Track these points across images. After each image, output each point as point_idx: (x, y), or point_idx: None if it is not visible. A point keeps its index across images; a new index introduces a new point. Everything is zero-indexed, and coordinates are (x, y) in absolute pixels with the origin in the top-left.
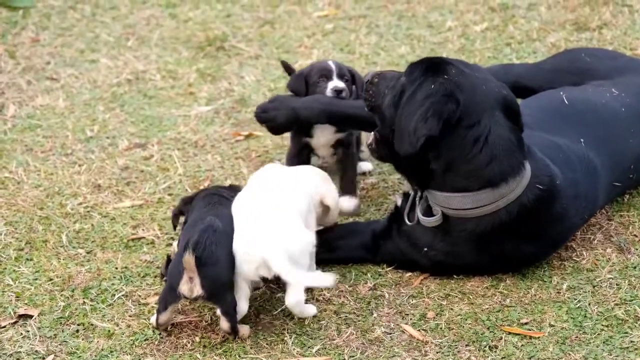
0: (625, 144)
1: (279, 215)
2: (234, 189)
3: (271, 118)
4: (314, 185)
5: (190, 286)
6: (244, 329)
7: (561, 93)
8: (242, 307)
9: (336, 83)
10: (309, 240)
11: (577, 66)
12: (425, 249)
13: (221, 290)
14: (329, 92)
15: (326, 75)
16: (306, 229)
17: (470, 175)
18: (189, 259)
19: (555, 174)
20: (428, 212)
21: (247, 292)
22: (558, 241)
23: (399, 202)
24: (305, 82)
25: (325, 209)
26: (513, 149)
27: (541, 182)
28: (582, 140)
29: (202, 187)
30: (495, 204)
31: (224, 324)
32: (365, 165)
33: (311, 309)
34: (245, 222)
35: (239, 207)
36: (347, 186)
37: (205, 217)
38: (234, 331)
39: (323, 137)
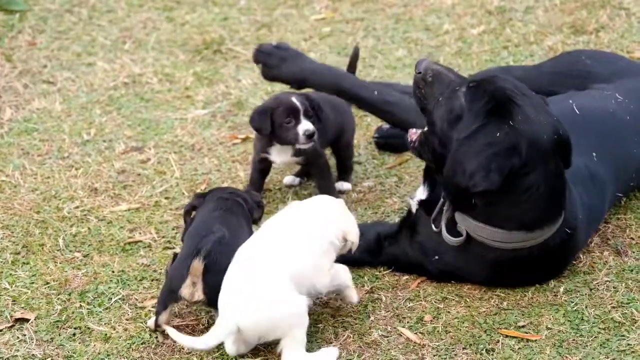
0: (629, 154)
1: (266, 278)
2: (251, 195)
3: (274, 64)
4: (334, 224)
5: (192, 291)
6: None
7: (570, 101)
8: (230, 352)
9: (306, 126)
10: (292, 311)
11: (577, 69)
12: (436, 257)
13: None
14: (301, 137)
15: (294, 115)
16: (293, 297)
17: (511, 217)
18: (198, 266)
19: (577, 210)
20: (451, 226)
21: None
22: (571, 260)
23: (414, 208)
24: (271, 120)
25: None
26: (557, 199)
27: (569, 226)
28: (594, 154)
29: (216, 186)
30: (523, 243)
31: None
32: (344, 185)
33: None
34: (233, 276)
35: (240, 251)
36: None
37: (214, 225)
38: None
39: (280, 158)
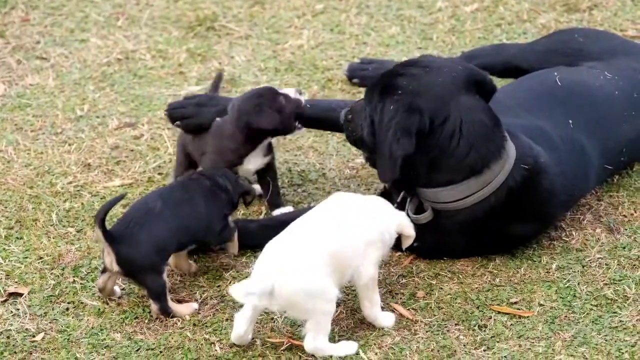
0: (617, 127)
1: (310, 252)
2: (238, 184)
3: (192, 113)
4: (387, 217)
5: (109, 259)
6: (185, 309)
7: (555, 74)
8: (238, 329)
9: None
10: (325, 293)
11: (570, 46)
12: (415, 244)
13: (138, 273)
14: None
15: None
16: (328, 282)
17: (453, 168)
18: (97, 232)
19: (538, 152)
20: (419, 210)
21: (250, 314)
22: (547, 218)
23: None
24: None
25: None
26: (489, 133)
27: (526, 162)
28: (570, 122)
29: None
30: (482, 192)
31: (152, 306)
32: (285, 209)
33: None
34: (279, 243)
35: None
36: (275, 200)
37: (151, 198)
38: (163, 313)
39: (254, 163)
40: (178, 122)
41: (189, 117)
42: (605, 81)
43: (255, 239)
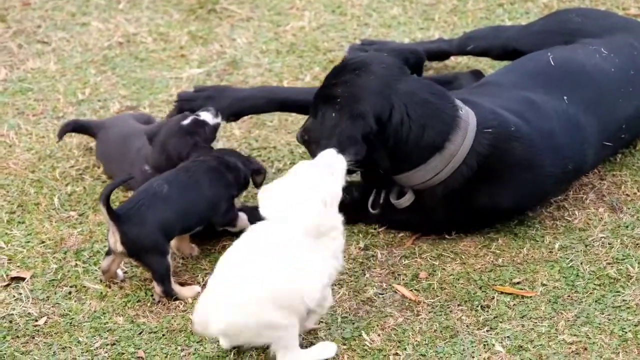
0: (615, 104)
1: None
2: (250, 162)
3: (201, 106)
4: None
5: (114, 239)
6: (188, 291)
7: (549, 54)
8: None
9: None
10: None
11: (566, 26)
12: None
13: (142, 253)
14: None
15: None
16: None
17: (414, 152)
18: (102, 210)
19: (506, 119)
20: (401, 194)
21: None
22: (533, 191)
23: (356, 194)
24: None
25: None
26: (438, 108)
27: (489, 126)
28: (565, 98)
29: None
30: (451, 164)
31: (156, 288)
32: None
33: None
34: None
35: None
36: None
37: (158, 181)
38: (166, 295)
39: None
40: (187, 114)
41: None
42: (600, 59)
43: None
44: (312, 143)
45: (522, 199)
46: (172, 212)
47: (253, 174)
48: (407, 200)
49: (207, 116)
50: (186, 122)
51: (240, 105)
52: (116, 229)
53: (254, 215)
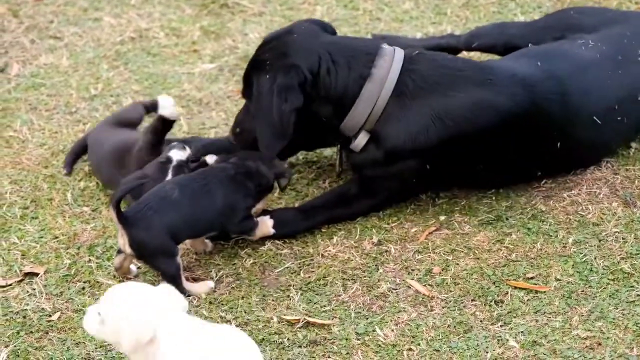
0: (602, 84)
1: None
2: (274, 165)
3: None
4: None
5: (123, 242)
6: (201, 287)
7: (530, 47)
8: None
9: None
10: None
11: (563, 22)
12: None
13: (150, 256)
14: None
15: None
16: None
17: (346, 89)
18: (112, 213)
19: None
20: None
21: None
22: (487, 105)
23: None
24: None
25: None
26: (358, 46)
27: (420, 51)
28: (538, 62)
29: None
30: (385, 87)
31: None
32: None
33: None
34: None
35: None
36: None
37: (169, 185)
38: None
39: None
40: None
41: None
42: (585, 48)
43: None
44: (245, 131)
45: (477, 105)
46: (179, 217)
47: (277, 177)
48: (361, 139)
49: (177, 154)
50: (169, 176)
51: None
52: (124, 232)
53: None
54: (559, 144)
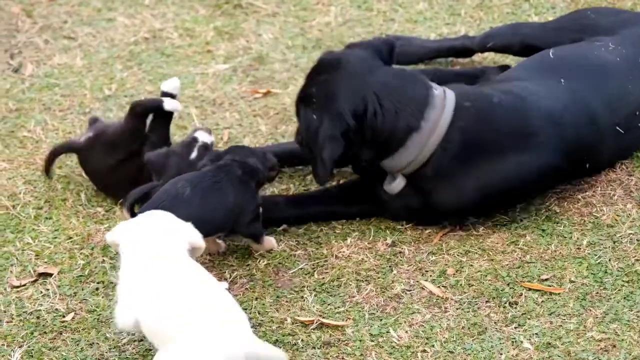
0: (623, 89)
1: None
2: (266, 159)
3: None
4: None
5: None
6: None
7: (551, 49)
8: None
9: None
10: None
11: (579, 23)
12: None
13: None
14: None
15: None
16: None
17: (391, 138)
18: (125, 214)
19: (490, 93)
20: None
21: None
22: (533, 160)
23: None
24: None
25: None
26: (408, 90)
27: (469, 99)
28: (562, 80)
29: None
30: (432, 141)
31: None
32: None
33: None
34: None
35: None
36: None
37: (180, 182)
38: None
39: None
40: None
41: None
42: (605, 52)
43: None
44: (305, 146)
45: (521, 167)
46: (192, 216)
47: (269, 170)
48: (398, 184)
49: (203, 136)
50: (194, 154)
51: None
52: None
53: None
54: (587, 165)
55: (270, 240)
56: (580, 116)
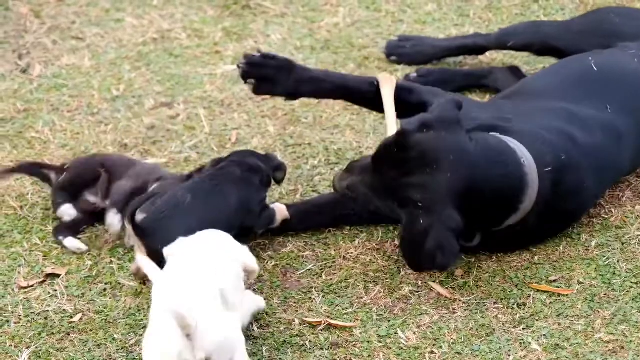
0: None
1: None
2: (269, 159)
3: (267, 76)
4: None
5: (141, 252)
6: None
7: (590, 59)
8: None
9: None
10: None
11: (604, 27)
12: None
13: None
14: None
15: None
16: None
17: (491, 221)
18: (128, 226)
19: (556, 147)
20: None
21: None
22: (579, 213)
23: None
24: None
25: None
26: (505, 176)
27: (546, 163)
28: (608, 107)
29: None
30: (522, 214)
31: None
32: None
33: None
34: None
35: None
36: None
37: (180, 191)
38: None
39: None
40: (252, 80)
41: (266, 79)
42: (639, 64)
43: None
44: (360, 195)
45: (568, 222)
46: (195, 222)
47: (274, 171)
48: (476, 241)
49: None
50: None
51: (305, 87)
52: (141, 243)
53: None
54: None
55: (281, 210)
56: (617, 154)
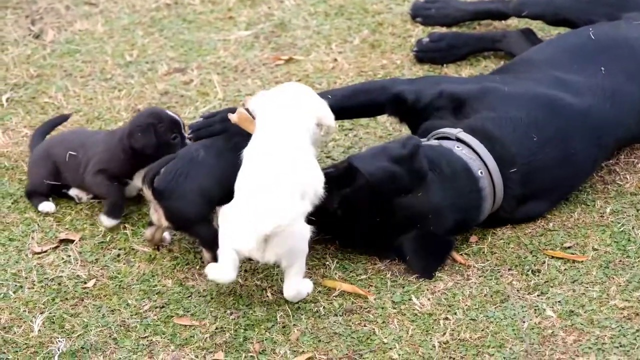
0: None
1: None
2: None
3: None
4: (309, 114)
5: (158, 216)
6: None
7: (590, 30)
8: (230, 275)
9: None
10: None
11: None
12: None
13: (189, 225)
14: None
15: (177, 130)
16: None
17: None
18: (146, 192)
19: (529, 147)
20: None
21: (237, 261)
22: (575, 180)
23: None
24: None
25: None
26: (462, 196)
27: (511, 164)
28: (602, 69)
29: None
30: (489, 212)
31: (205, 254)
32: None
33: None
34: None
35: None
36: None
37: (193, 146)
38: (215, 259)
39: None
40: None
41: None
42: None
43: None
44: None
45: (565, 189)
46: (211, 178)
47: None
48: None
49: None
50: None
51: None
52: (159, 206)
53: None
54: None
55: None
56: (615, 116)
